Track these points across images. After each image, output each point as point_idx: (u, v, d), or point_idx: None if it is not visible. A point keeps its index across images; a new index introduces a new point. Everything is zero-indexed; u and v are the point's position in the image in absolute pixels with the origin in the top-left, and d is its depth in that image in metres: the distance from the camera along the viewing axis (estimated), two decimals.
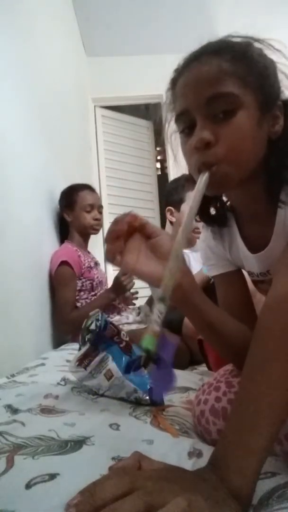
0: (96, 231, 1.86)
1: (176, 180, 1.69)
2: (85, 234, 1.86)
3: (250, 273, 0.70)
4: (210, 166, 0.53)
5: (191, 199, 0.52)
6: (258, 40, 0.57)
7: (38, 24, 1.74)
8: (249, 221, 0.65)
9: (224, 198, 0.68)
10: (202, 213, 0.68)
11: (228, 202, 0.68)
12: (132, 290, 1.73)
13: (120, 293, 1.68)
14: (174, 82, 0.59)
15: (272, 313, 0.45)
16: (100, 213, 1.86)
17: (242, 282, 0.72)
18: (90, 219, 1.81)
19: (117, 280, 1.67)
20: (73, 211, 1.80)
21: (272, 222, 0.58)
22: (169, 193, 1.68)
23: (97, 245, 2.97)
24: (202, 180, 0.52)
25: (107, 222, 3.19)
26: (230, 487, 0.35)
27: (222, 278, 0.72)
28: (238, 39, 0.57)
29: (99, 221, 1.84)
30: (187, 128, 0.57)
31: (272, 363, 0.41)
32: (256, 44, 0.57)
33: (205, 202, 0.67)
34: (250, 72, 0.54)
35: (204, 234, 0.74)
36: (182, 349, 1.29)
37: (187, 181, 1.55)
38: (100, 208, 1.86)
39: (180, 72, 0.58)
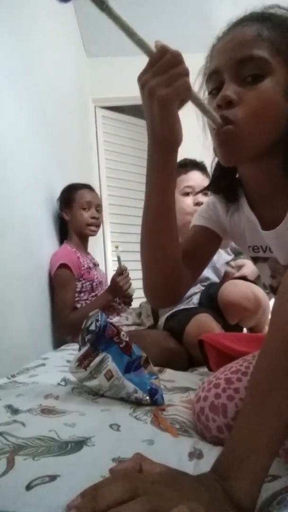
0: (93, 232, 1.83)
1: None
2: (83, 234, 1.83)
3: (255, 248, 0.70)
4: (227, 123, 0.54)
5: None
6: None
7: (38, 24, 1.74)
8: (262, 199, 0.64)
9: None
10: (214, 184, 0.70)
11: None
12: (129, 290, 1.72)
13: (117, 293, 1.68)
14: (213, 47, 0.60)
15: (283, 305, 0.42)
16: (98, 211, 1.84)
17: (211, 246, 0.77)
18: (88, 217, 1.78)
19: (113, 281, 1.67)
20: (71, 209, 1.79)
21: (286, 203, 0.58)
22: None
23: (97, 246, 2.97)
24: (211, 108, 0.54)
25: (107, 222, 3.19)
26: (233, 498, 0.34)
27: (202, 230, 0.76)
28: (283, 11, 0.58)
29: (96, 219, 1.82)
30: (215, 89, 0.57)
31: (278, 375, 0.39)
32: None
33: (219, 176, 0.69)
34: (286, 42, 0.54)
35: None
36: (181, 352, 1.29)
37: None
38: (98, 207, 1.84)
39: (219, 38, 0.59)
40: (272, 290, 0.72)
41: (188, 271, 0.73)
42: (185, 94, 0.53)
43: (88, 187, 1.88)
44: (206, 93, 0.62)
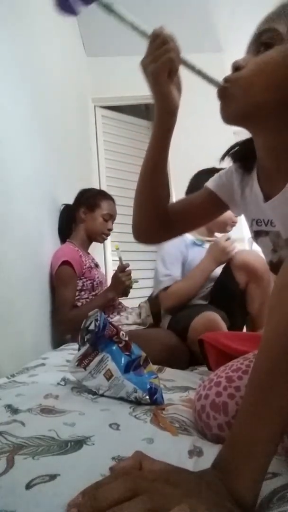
0: (102, 239, 1.91)
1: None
2: (92, 238, 1.89)
3: (258, 222, 0.72)
4: (226, 82, 0.60)
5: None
6: None
7: (38, 24, 1.74)
8: (268, 173, 0.67)
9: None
10: (234, 152, 0.75)
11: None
12: (131, 285, 1.74)
13: (119, 289, 1.68)
14: None
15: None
16: (113, 225, 1.92)
17: (210, 211, 0.84)
18: (105, 228, 1.85)
19: (115, 276, 1.67)
20: (92, 213, 1.83)
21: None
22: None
23: (97, 246, 2.97)
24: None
25: None
26: (234, 494, 0.34)
27: (209, 194, 0.81)
28: None
29: (110, 231, 1.89)
30: None
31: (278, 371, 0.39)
32: None
33: (240, 146, 0.74)
34: None
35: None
36: (183, 349, 1.29)
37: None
38: (114, 221, 1.92)
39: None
40: (272, 266, 0.73)
41: (177, 223, 0.83)
42: (171, 65, 0.64)
43: (113, 200, 1.95)
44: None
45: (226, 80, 0.60)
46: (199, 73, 0.64)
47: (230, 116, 0.62)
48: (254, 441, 0.37)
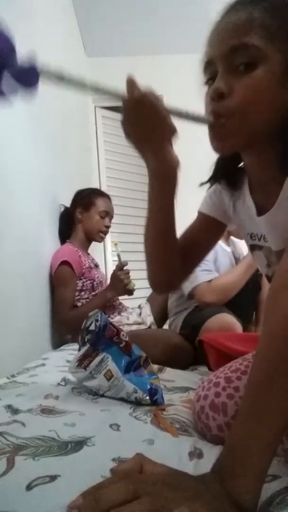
0: (101, 238, 1.90)
1: None
2: (91, 238, 1.88)
3: (252, 235, 0.70)
4: (219, 117, 0.52)
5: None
6: None
7: (38, 24, 1.74)
8: (259, 187, 0.65)
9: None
10: (219, 174, 0.70)
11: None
12: (129, 285, 1.73)
13: (118, 288, 1.68)
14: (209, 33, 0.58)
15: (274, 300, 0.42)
16: (110, 221, 1.90)
17: (214, 233, 0.78)
18: (102, 225, 1.84)
19: (114, 275, 1.67)
20: (88, 212, 1.82)
21: (279, 191, 0.57)
22: None
23: (97, 246, 2.97)
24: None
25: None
26: (234, 498, 0.34)
27: (204, 218, 0.77)
28: None
29: (108, 229, 1.88)
30: (211, 79, 0.56)
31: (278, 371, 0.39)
32: None
33: (221, 165, 0.69)
34: (282, 27, 0.50)
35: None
36: (187, 349, 1.28)
37: None
38: (111, 217, 1.90)
39: (215, 22, 0.56)
40: (269, 279, 0.72)
41: (190, 259, 0.78)
42: (173, 135, 0.58)
43: (108, 197, 1.93)
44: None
45: (217, 113, 0.53)
46: (187, 116, 0.56)
47: (230, 150, 0.58)
48: (252, 443, 0.37)
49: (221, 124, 0.53)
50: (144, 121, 0.56)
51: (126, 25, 3.02)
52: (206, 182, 0.72)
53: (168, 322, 1.67)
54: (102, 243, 3.23)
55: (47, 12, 1.91)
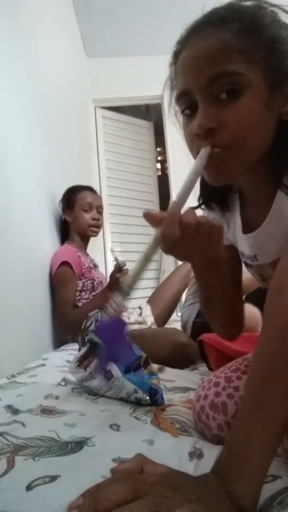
0: (94, 233, 1.87)
1: None
2: (85, 235, 1.87)
3: (241, 254, 0.69)
4: (214, 146, 0.49)
5: (186, 177, 0.47)
6: (271, 5, 0.50)
7: (38, 24, 1.74)
8: (250, 203, 0.63)
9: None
10: (205, 199, 0.66)
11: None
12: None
13: (116, 289, 1.68)
14: (176, 56, 0.53)
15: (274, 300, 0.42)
16: (99, 213, 1.87)
17: (233, 257, 0.70)
18: (89, 219, 1.82)
19: (113, 276, 1.67)
20: (72, 211, 1.82)
21: (270, 207, 0.56)
22: None
23: (97, 247, 2.98)
24: (202, 154, 0.48)
25: (107, 222, 3.19)
26: (233, 499, 0.34)
27: (227, 249, 0.68)
28: (248, 3, 0.50)
29: (97, 221, 1.85)
30: (188, 108, 0.52)
31: (277, 371, 0.39)
32: (268, 10, 0.50)
33: (209, 192, 0.64)
34: (259, 46, 0.48)
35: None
36: (192, 346, 1.28)
37: None
38: (99, 208, 1.87)
39: (182, 44, 0.52)
40: (264, 293, 0.71)
41: (240, 293, 0.73)
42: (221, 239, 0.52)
43: (89, 189, 1.91)
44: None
45: (212, 143, 0.49)
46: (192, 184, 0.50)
47: (227, 180, 0.56)
48: (252, 444, 0.37)
49: (217, 153, 0.49)
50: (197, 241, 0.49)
51: (126, 25, 3.02)
52: (197, 208, 0.67)
53: (179, 311, 1.65)
54: (102, 243, 3.25)
55: (47, 12, 1.91)
